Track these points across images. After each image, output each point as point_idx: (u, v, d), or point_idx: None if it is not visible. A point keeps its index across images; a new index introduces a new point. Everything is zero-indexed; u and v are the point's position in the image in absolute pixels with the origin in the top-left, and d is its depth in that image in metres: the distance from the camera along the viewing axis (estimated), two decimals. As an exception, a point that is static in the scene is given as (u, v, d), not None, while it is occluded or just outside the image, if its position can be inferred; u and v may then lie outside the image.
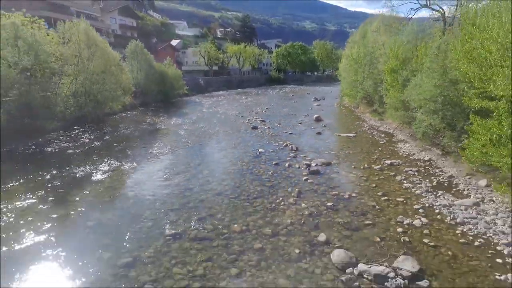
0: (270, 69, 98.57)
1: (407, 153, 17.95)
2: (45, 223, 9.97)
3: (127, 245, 8.76)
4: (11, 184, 13.14)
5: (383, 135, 22.91)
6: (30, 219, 10.22)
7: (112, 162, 16.65)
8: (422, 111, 15.77)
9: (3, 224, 9.84)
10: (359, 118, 30.82)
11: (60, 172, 14.87)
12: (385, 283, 7.26)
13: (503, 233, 9.32)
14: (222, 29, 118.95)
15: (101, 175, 14.66)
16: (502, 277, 7.46)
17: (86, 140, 21.61)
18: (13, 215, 10.42)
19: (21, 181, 13.58)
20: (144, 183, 13.66)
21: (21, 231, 9.45)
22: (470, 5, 14.09)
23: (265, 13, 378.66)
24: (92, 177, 14.35)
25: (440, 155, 16.98)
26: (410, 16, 25.98)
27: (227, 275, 7.54)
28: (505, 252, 8.41)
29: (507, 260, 8.11)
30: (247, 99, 50.48)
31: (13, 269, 7.68)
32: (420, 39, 21.09)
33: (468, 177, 13.79)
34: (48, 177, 14.21)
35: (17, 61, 18.59)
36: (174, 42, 74.39)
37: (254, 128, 25.72)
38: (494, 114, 9.57)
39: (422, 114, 15.77)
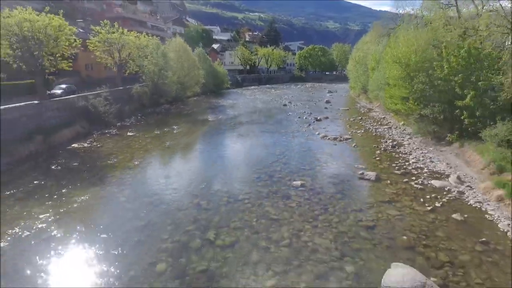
0: (293, 69, 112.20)
1: (374, 116, 31.56)
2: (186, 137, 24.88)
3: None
4: (169, 121, 28.13)
5: (366, 109, 36.44)
6: (182, 137, 25.19)
7: (210, 115, 31.53)
8: (379, 89, 29.33)
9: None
10: (356, 102, 44.23)
11: (186, 118, 29.90)
12: (336, 139, 21.31)
13: (394, 135, 22.99)
14: (250, 33, 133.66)
15: (210, 119, 29.53)
16: (385, 143, 21.22)
17: (187, 108, 36.78)
18: (165, 137, 25.40)
19: (169, 121, 28.59)
20: (231, 121, 28.35)
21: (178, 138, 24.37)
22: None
23: (288, 13, 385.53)
24: (206, 120, 29.24)
25: (392, 116, 30.40)
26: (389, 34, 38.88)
27: (281, 138, 21.89)
28: (390, 137, 22.10)
29: (387, 139, 21.77)
30: (276, 91, 64.60)
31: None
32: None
33: (401, 123, 27.25)
34: (181, 120, 29.22)
35: (157, 62, 33.80)
36: (215, 46, 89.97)
37: (284, 105, 39.96)
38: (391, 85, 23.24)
39: (379, 91, 29.34)
